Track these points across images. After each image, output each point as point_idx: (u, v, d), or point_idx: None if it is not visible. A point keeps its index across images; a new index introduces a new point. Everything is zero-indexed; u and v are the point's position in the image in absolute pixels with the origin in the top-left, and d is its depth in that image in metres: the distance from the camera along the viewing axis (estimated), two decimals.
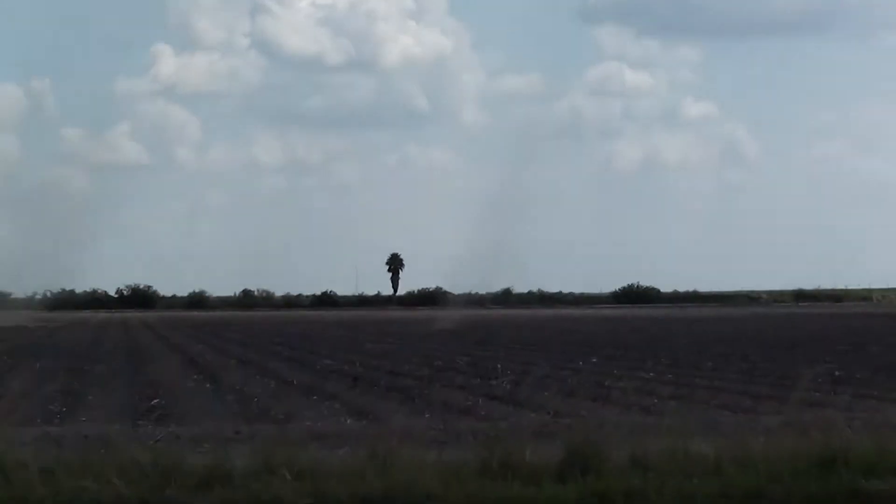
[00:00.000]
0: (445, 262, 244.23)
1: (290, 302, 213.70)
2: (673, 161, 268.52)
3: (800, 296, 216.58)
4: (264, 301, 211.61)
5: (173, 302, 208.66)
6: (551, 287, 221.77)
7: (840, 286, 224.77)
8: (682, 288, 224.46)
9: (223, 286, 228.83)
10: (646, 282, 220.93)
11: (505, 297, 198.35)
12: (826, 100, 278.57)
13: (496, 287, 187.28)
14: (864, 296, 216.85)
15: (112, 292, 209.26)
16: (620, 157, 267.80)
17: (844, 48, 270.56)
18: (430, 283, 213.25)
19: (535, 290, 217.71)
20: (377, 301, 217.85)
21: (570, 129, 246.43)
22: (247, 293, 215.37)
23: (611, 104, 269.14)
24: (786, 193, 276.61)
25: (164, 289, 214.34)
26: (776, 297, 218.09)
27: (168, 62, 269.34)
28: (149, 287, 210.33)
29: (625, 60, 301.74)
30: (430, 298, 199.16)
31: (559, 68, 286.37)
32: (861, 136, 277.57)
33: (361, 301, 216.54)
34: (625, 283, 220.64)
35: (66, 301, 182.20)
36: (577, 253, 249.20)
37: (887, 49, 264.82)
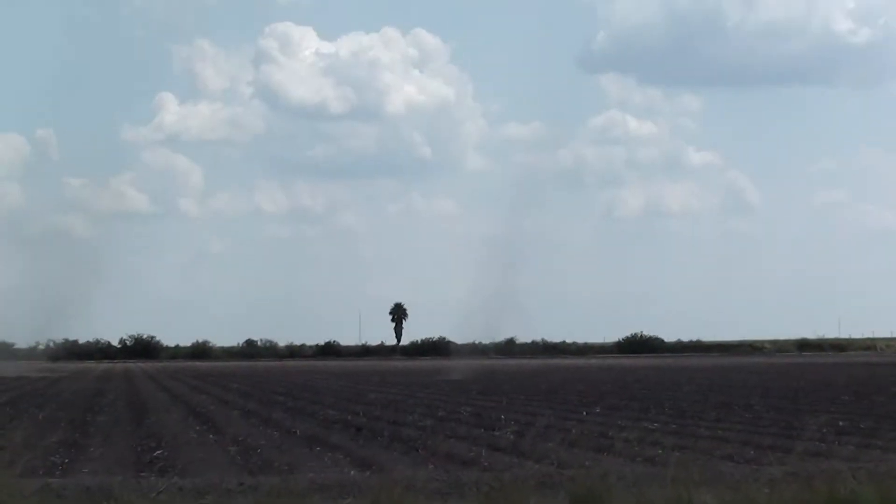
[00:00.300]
0: (449, 312, 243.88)
1: (294, 352, 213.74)
2: (675, 209, 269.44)
3: (803, 345, 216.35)
4: (267, 351, 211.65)
5: (177, 352, 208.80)
6: (555, 336, 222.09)
7: (843, 335, 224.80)
8: (685, 337, 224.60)
9: (227, 336, 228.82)
10: (649, 331, 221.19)
11: (508, 347, 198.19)
12: (828, 148, 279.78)
13: (500, 337, 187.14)
14: (868, 345, 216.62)
15: (115, 342, 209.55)
16: (623, 205, 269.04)
17: (846, 96, 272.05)
18: (434, 333, 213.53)
19: (538, 339, 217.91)
20: (381, 351, 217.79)
21: (573, 177, 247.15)
22: (250, 343, 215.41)
23: (613, 152, 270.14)
24: (788, 242, 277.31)
25: (168, 339, 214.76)
26: (779, 346, 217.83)
27: (172, 111, 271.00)
28: (152, 337, 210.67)
29: (627, 109, 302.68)
30: (434, 348, 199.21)
31: (561, 116, 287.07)
32: (863, 184, 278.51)
33: (365, 351, 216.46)
34: (628, 333, 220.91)
35: (69, 351, 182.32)
36: (581, 302, 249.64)
37: (888, 97, 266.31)
